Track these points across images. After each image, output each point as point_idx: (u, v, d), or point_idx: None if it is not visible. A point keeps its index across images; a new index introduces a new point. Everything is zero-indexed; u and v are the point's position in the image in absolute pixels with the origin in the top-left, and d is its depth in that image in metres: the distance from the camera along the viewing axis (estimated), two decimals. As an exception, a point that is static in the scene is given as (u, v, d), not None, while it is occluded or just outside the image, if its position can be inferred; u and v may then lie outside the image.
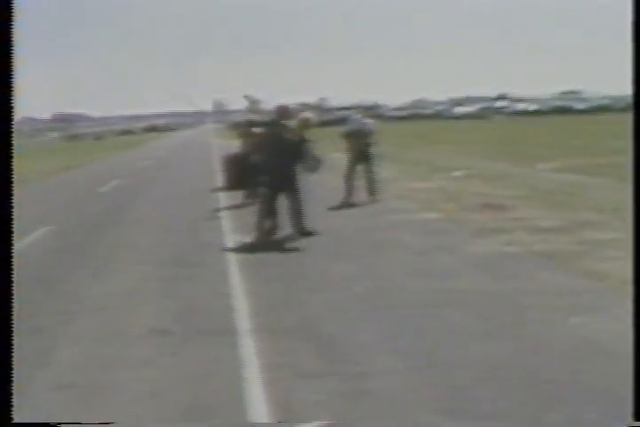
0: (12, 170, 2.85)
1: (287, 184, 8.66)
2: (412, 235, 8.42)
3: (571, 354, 4.26)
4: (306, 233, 8.64)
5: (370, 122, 12.25)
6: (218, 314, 5.67)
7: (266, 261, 7.66)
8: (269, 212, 8.59)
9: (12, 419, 2.74)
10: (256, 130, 11.11)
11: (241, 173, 11.82)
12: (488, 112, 56.24)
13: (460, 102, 66.65)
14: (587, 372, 3.96)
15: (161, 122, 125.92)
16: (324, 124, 40.07)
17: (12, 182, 2.85)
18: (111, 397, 4.10)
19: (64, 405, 4.03)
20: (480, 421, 3.45)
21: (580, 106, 52.64)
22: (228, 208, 11.94)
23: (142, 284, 6.98)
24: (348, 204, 11.32)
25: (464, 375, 4.01)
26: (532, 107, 55.75)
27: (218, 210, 11.82)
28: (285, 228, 8.69)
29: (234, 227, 9.93)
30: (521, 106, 57.81)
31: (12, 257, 2.81)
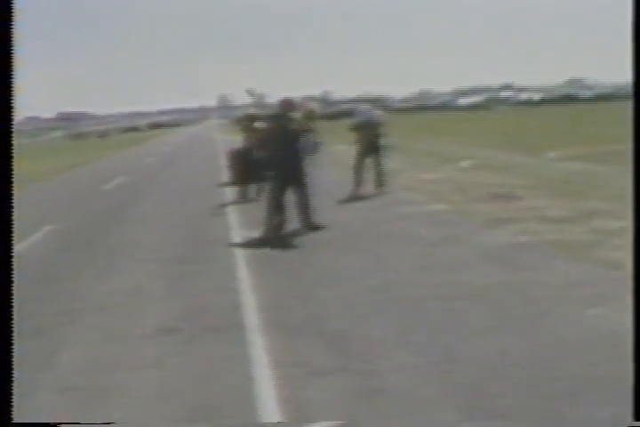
0: (12, 170, 2.81)
1: (294, 178, 8.56)
2: (422, 227, 8.31)
3: (590, 348, 4.14)
4: (314, 227, 8.55)
5: (378, 113, 12.15)
6: (225, 311, 5.57)
7: (273, 256, 7.57)
8: (277, 206, 8.50)
9: (11, 419, 2.69)
10: (259, 124, 11.04)
11: (247, 168, 11.75)
12: (493, 102, 56.04)
13: (464, 93, 66.44)
14: (608, 366, 3.84)
15: (165, 118, 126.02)
16: (329, 117, 40.01)
17: (12, 182, 2.81)
18: (118, 398, 4.02)
19: (68, 407, 3.95)
20: (497, 419, 3.35)
21: (586, 94, 52.36)
22: (234, 203, 11.87)
23: (147, 281, 6.90)
24: (356, 196, 11.22)
25: (480, 371, 3.90)
26: (537, 96, 55.51)
27: (224, 206, 11.74)
28: (293, 222, 8.60)
29: (240, 222, 9.85)
30: (525, 95, 57.58)
31: (12, 257, 2.76)
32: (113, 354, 4.80)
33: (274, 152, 8.76)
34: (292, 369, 4.15)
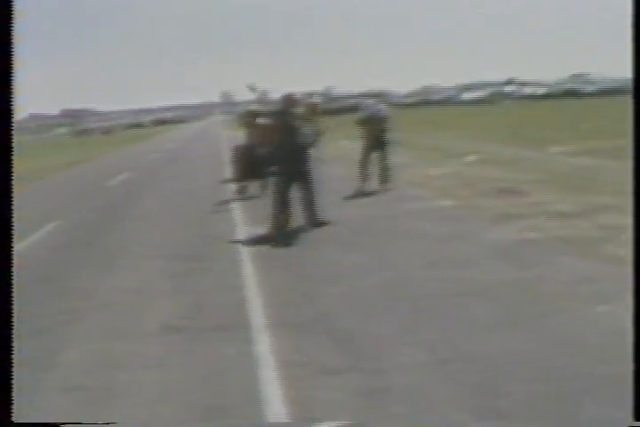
0: (12, 170, 2.80)
1: (299, 174, 8.50)
2: (429, 223, 8.24)
3: (601, 345, 4.08)
4: (319, 223, 8.49)
5: (384, 108, 12.04)
6: (231, 308, 5.52)
7: (279, 252, 7.51)
8: (282, 202, 8.44)
9: (12, 419, 2.67)
10: (261, 120, 10.97)
11: (250, 165, 11.70)
12: (497, 97, 55.81)
13: (468, 88, 66.19)
14: (620, 363, 3.77)
15: (169, 115, 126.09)
16: (332, 112, 39.88)
17: (11, 182, 2.80)
18: (121, 397, 3.97)
19: (70, 406, 3.90)
20: (506, 419, 3.29)
21: (589, 89, 52.07)
22: (239, 200, 11.81)
23: (152, 279, 6.85)
24: (362, 192, 11.15)
25: (489, 369, 3.85)
26: (541, 90, 55.26)
27: (228, 202, 11.69)
28: (298, 218, 8.55)
29: (245, 218, 9.81)
30: (529, 90, 57.33)
31: (12, 257, 2.74)
32: (116, 353, 4.76)
33: (277, 148, 8.70)
34: (298, 368, 4.10)
